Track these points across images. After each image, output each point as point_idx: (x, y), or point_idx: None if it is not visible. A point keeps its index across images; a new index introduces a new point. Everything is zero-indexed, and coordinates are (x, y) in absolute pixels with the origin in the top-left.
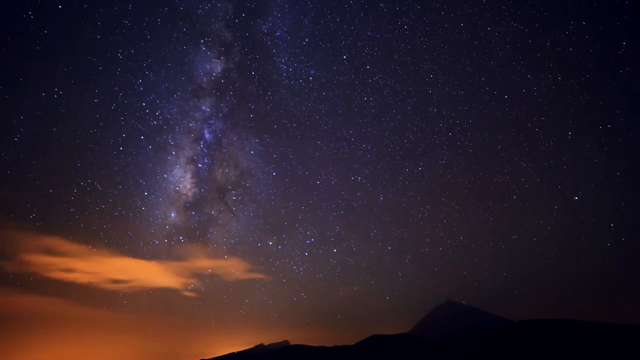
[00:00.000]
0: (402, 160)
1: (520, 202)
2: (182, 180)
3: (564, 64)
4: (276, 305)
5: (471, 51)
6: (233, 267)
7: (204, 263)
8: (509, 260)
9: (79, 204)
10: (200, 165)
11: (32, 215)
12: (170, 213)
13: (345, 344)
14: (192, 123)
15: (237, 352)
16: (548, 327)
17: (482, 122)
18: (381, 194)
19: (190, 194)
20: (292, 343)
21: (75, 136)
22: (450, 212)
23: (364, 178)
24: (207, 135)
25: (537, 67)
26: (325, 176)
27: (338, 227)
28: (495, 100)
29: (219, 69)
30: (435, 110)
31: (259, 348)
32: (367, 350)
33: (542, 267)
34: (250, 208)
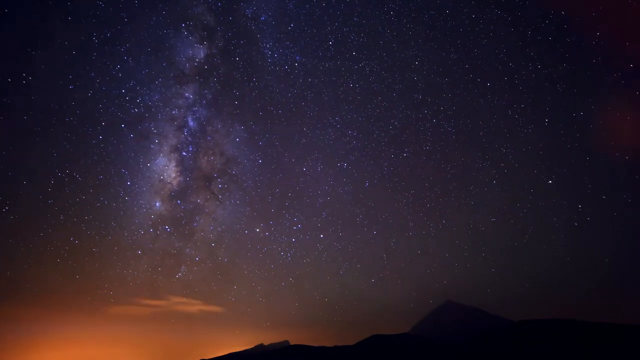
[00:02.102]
0: (387, 146)
1: (499, 186)
2: (167, 169)
3: (543, 52)
4: (263, 290)
5: (456, 38)
6: (220, 255)
7: (190, 253)
8: (488, 242)
9: (56, 195)
10: (184, 153)
11: (5, 209)
12: (155, 202)
13: (345, 344)
14: (175, 110)
15: (237, 352)
16: (548, 327)
17: (465, 109)
18: (367, 180)
19: (175, 182)
20: (292, 343)
21: (49, 124)
22: (434, 197)
23: (350, 164)
24: (191, 123)
25: (518, 55)
26: (312, 163)
27: (324, 213)
28: (478, 88)
29: (201, 55)
30: (420, 97)
31: (259, 348)
32: (367, 350)
33: (517, 247)
34: (237, 196)
